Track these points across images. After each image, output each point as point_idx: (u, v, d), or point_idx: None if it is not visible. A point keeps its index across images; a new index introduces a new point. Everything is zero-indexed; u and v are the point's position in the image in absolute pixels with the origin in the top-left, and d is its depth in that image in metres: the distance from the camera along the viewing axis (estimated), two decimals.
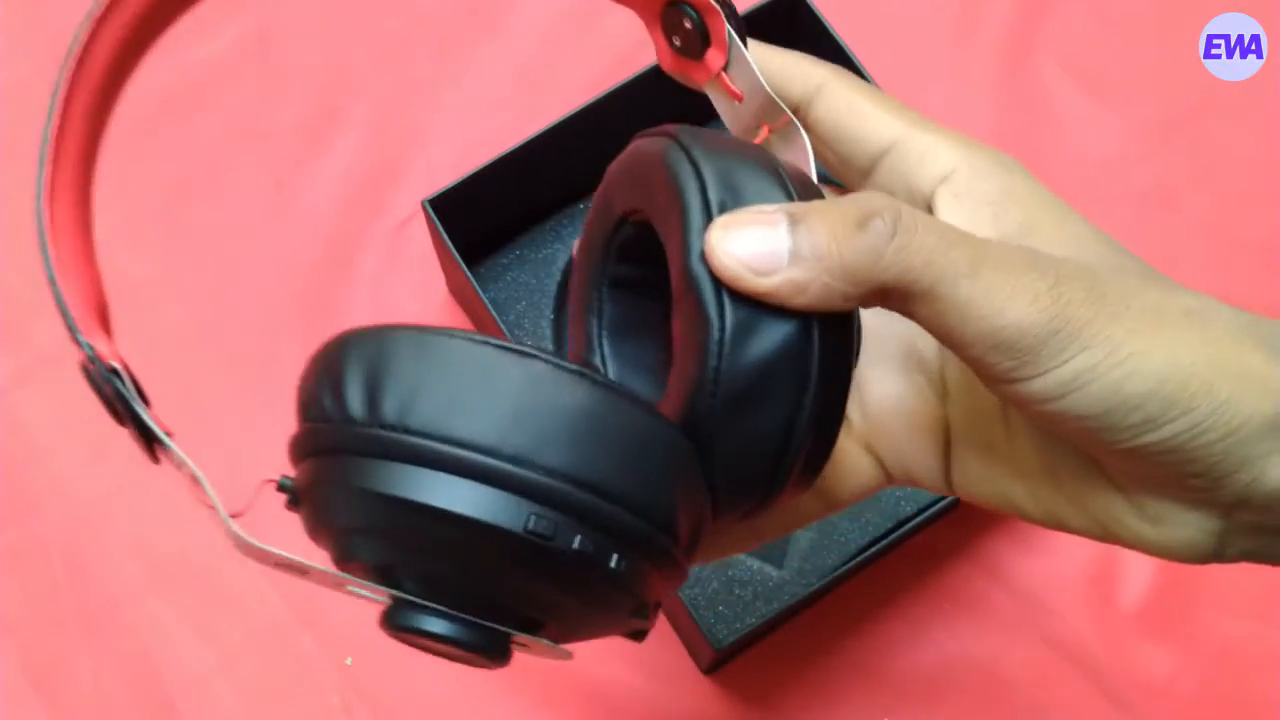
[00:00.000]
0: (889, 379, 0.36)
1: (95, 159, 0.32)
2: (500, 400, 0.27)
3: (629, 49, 0.68)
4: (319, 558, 0.30)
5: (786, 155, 0.33)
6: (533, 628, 0.29)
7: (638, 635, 0.31)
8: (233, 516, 0.29)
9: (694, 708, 0.58)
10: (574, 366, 0.28)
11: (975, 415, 0.34)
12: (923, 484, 0.36)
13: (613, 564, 0.27)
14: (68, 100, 0.30)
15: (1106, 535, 0.32)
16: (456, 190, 0.56)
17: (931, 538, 0.59)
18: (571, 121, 0.57)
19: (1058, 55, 0.69)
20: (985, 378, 0.29)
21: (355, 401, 0.28)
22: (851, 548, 0.59)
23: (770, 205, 0.29)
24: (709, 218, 0.29)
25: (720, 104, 0.35)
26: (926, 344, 0.35)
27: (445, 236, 0.55)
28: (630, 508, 0.28)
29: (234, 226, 0.66)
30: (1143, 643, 0.59)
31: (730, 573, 0.58)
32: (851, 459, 0.36)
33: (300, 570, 0.29)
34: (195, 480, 0.29)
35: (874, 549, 0.55)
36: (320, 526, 0.29)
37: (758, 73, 0.33)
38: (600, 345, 0.36)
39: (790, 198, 0.30)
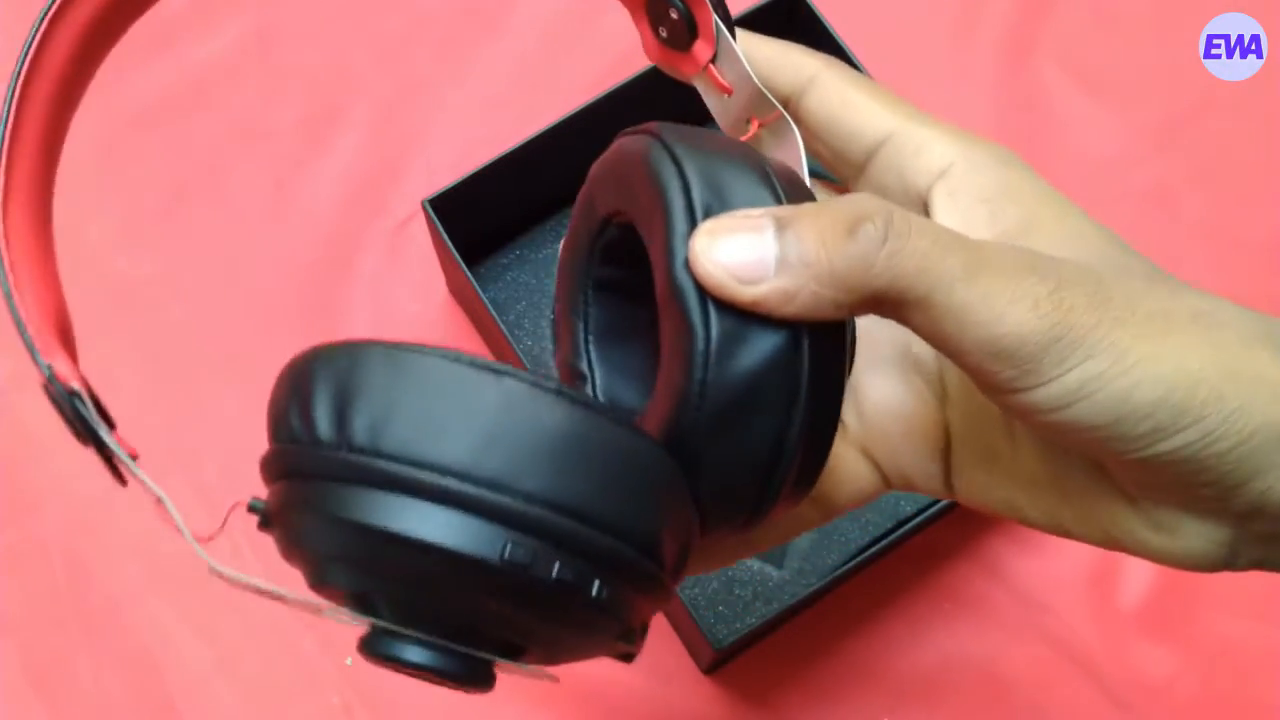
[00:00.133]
0: (886, 382, 0.35)
1: (54, 169, 0.31)
2: (475, 421, 0.26)
3: (629, 49, 0.67)
4: (297, 576, 0.29)
5: (777, 150, 0.32)
6: (515, 653, 0.28)
7: (625, 658, 0.30)
8: (205, 539, 0.28)
9: (694, 708, 0.58)
10: (552, 385, 0.26)
11: (976, 419, 0.33)
12: (922, 490, 0.35)
13: (594, 591, 0.26)
14: (20, 108, 0.29)
15: (1112, 544, 0.31)
16: (456, 190, 0.56)
17: (931, 538, 0.59)
18: (571, 121, 0.57)
19: (1058, 55, 0.69)
20: (985, 387, 0.28)
21: (324, 422, 0.26)
22: (851, 548, 0.59)
23: (756, 209, 0.28)
24: (693, 222, 0.28)
25: (709, 97, 0.34)
26: (924, 346, 0.34)
27: (445, 236, 0.55)
28: (612, 532, 0.26)
29: (234, 226, 0.66)
30: (1143, 643, 0.59)
31: (730, 573, 0.58)
32: (848, 465, 0.35)
33: (275, 597, 0.28)
34: (161, 504, 0.28)
35: (874, 549, 0.55)
36: (292, 551, 0.28)
37: (746, 66, 0.32)
38: (587, 350, 0.35)
39: (778, 199, 0.28)
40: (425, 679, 0.28)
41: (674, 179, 0.28)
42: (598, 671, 0.58)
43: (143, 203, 0.66)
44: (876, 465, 0.35)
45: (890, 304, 0.27)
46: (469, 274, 0.55)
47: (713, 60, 0.33)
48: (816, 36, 0.60)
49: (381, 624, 0.28)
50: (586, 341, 0.35)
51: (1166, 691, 0.58)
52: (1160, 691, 0.58)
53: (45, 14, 0.29)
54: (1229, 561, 0.29)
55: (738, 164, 0.29)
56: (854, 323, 0.30)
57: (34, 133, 0.29)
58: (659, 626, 0.59)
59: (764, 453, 0.28)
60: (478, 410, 0.26)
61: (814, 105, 0.33)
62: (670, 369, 0.28)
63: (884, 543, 0.55)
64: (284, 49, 0.69)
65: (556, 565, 0.26)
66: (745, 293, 0.27)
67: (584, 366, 0.35)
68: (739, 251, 0.27)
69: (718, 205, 0.28)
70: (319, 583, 0.29)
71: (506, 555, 0.25)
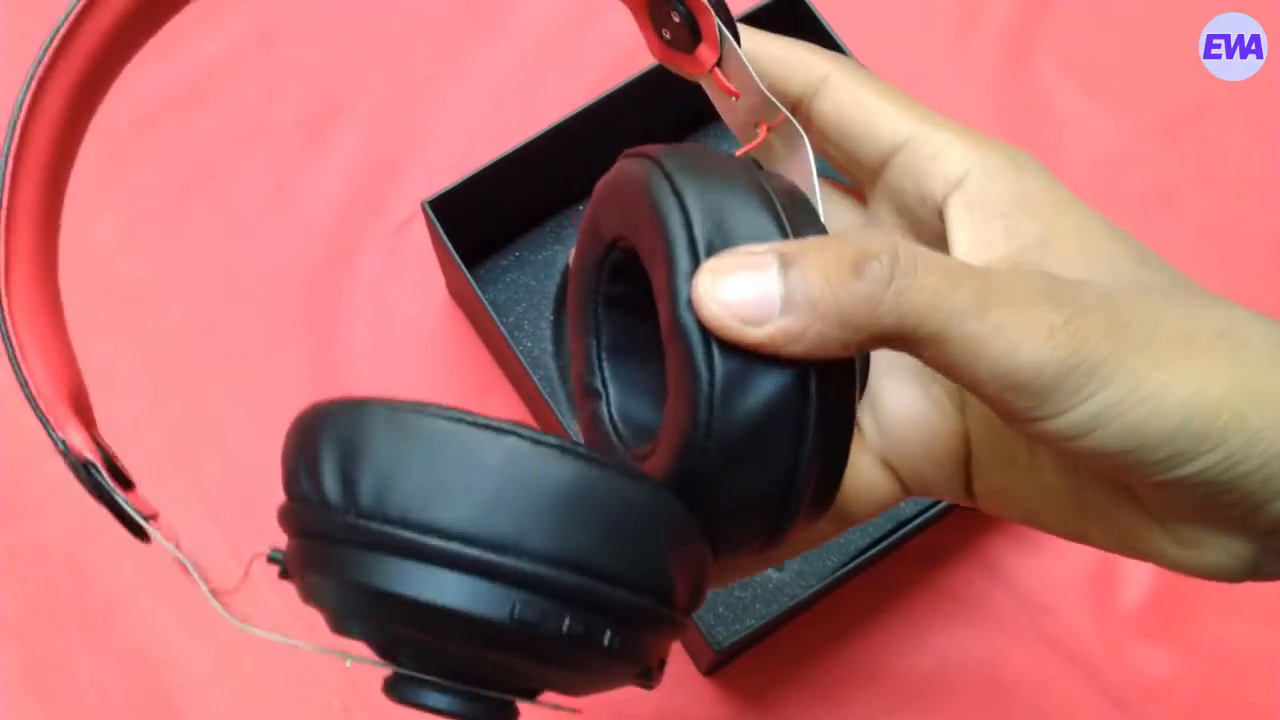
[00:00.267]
0: (905, 391, 0.34)
1: (55, 234, 0.31)
2: (478, 483, 0.26)
3: (629, 50, 0.68)
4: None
5: (787, 155, 0.32)
6: (534, 695, 0.29)
7: (645, 686, 0.30)
8: (226, 592, 0.30)
9: (694, 709, 0.58)
10: (554, 440, 0.26)
11: (996, 429, 0.33)
12: (941, 497, 0.34)
13: (606, 642, 0.27)
14: (18, 159, 0.29)
15: (1134, 554, 0.30)
16: (456, 191, 0.56)
17: (931, 539, 0.59)
18: (572, 123, 0.57)
19: (1057, 56, 0.69)
20: (1002, 416, 0.28)
21: (331, 485, 0.27)
22: (851, 549, 0.59)
23: (760, 245, 0.27)
24: (695, 258, 0.27)
25: (717, 99, 0.34)
26: None
27: (445, 238, 0.55)
28: (620, 583, 0.26)
29: (234, 226, 0.66)
30: (1143, 644, 0.59)
31: None
32: (866, 475, 0.34)
33: (297, 646, 0.29)
34: (183, 562, 0.29)
35: (874, 550, 0.55)
36: (310, 602, 0.29)
37: (752, 72, 0.32)
38: (600, 367, 0.35)
39: (783, 228, 0.28)
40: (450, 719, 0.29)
41: (675, 212, 0.28)
42: None
43: (143, 203, 0.66)
44: (895, 473, 0.34)
45: (901, 341, 0.27)
46: (469, 275, 0.55)
47: (717, 64, 0.33)
48: (816, 37, 0.60)
49: (403, 671, 0.28)
50: (599, 358, 0.35)
51: (1166, 693, 0.58)
52: (1160, 693, 0.58)
53: (32, 77, 0.29)
54: (1252, 574, 0.29)
55: (740, 193, 0.28)
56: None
57: (33, 195, 0.30)
58: None
59: (774, 488, 0.28)
60: (480, 471, 0.26)
61: (826, 107, 0.33)
62: (676, 408, 0.28)
63: (884, 544, 0.55)
64: (284, 50, 0.69)
65: (567, 621, 0.26)
66: (751, 334, 0.27)
67: (598, 383, 0.35)
68: (743, 292, 0.26)
69: (720, 240, 0.27)
70: (339, 630, 0.29)
71: (516, 615, 0.26)
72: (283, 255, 0.65)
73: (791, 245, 0.27)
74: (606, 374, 0.35)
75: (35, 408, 0.28)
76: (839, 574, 0.54)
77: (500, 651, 0.27)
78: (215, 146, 0.67)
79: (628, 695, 0.58)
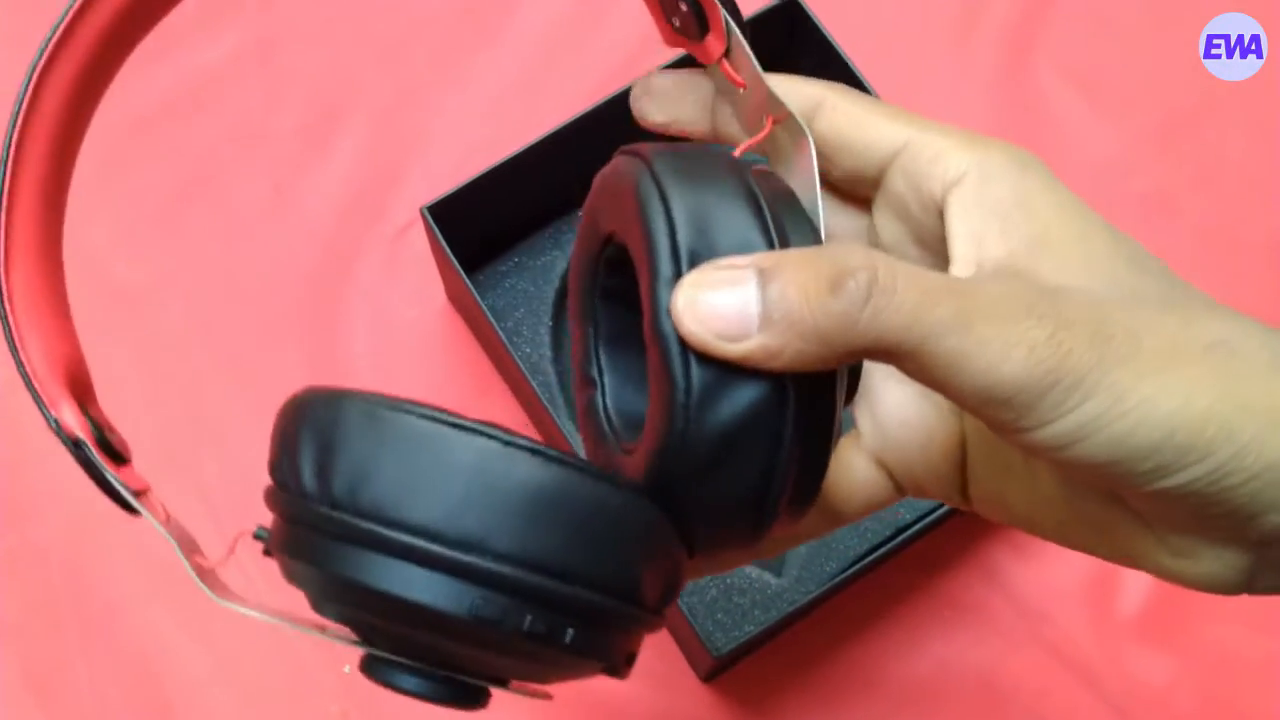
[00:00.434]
0: (904, 391, 0.34)
1: (60, 213, 0.31)
2: (449, 481, 0.27)
3: (630, 55, 0.68)
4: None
5: (791, 152, 0.32)
6: (504, 682, 0.30)
7: (616, 676, 0.31)
8: (210, 567, 0.31)
9: (693, 715, 0.58)
10: (524, 442, 0.27)
11: (992, 434, 0.32)
12: (937, 498, 0.34)
13: (568, 640, 0.27)
14: (19, 147, 0.30)
15: (1129, 563, 0.30)
16: (455, 197, 0.56)
17: (930, 545, 0.59)
18: (571, 128, 0.57)
19: (1056, 60, 0.69)
20: (990, 426, 0.28)
21: (308, 475, 0.28)
22: (850, 555, 0.59)
23: (741, 258, 0.27)
24: (677, 266, 0.28)
25: (724, 89, 0.34)
26: None
27: (444, 243, 0.55)
28: (584, 583, 0.27)
29: (233, 231, 0.66)
30: (1141, 650, 0.59)
31: (729, 581, 0.58)
32: (860, 474, 0.34)
33: (279, 620, 0.30)
34: (171, 536, 0.30)
35: (873, 556, 0.55)
36: (290, 582, 0.30)
37: (757, 66, 0.32)
38: (597, 357, 0.35)
39: (769, 237, 0.28)
40: (422, 700, 0.30)
41: (660, 217, 0.28)
42: (593, 679, 0.58)
43: (143, 208, 0.66)
44: (890, 474, 0.35)
45: (879, 356, 0.27)
46: (467, 281, 0.55)
47: (725, 54, 0.33)
48: (815, 44, 0.60)
49: (376, 652, 0.29)
50: (596, 348, 0.35)
51: (1164, 699, 0.58)
52: (1158, 699, 0.58)
53: (35, 66, 0.30)
54: (1248, 585, 0.29)
55: (728, 198, 0.29)
56: None
57: (35, 179, 0.30)
58: (657, 634, 0.59)
59: (750, 494, 0.28)
60: (451, 469, 0.27)
61: (823, 128, 0.33)
62: (654, 413, 0.28)
63: (882, 550, 0.55)
64: (284, 55, 0.69)
65: (528, 619, 0.27)
66: (729, 350, 0.27)
67: (594, 373, 0.35)
68: (722, 308, 0.27)
69: (703, 247, 0.28)
70: (317, 611, 0.30)
71: (475, 612, 0.26)
72: (282, 260, 0.65)
73: (771, 259, 0.27)
74: (603, 364, 0.35)
75: (28, 383, 0.29)
76: (838, 580, 0.54)
77: (462, 644, 0.28)
78: (214, 151, 0.67)
79: (626, 700, 0.58)
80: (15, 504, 0.61)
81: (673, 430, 0.28)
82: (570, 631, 0.27)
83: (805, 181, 0.31)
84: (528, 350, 0.62)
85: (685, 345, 0.27)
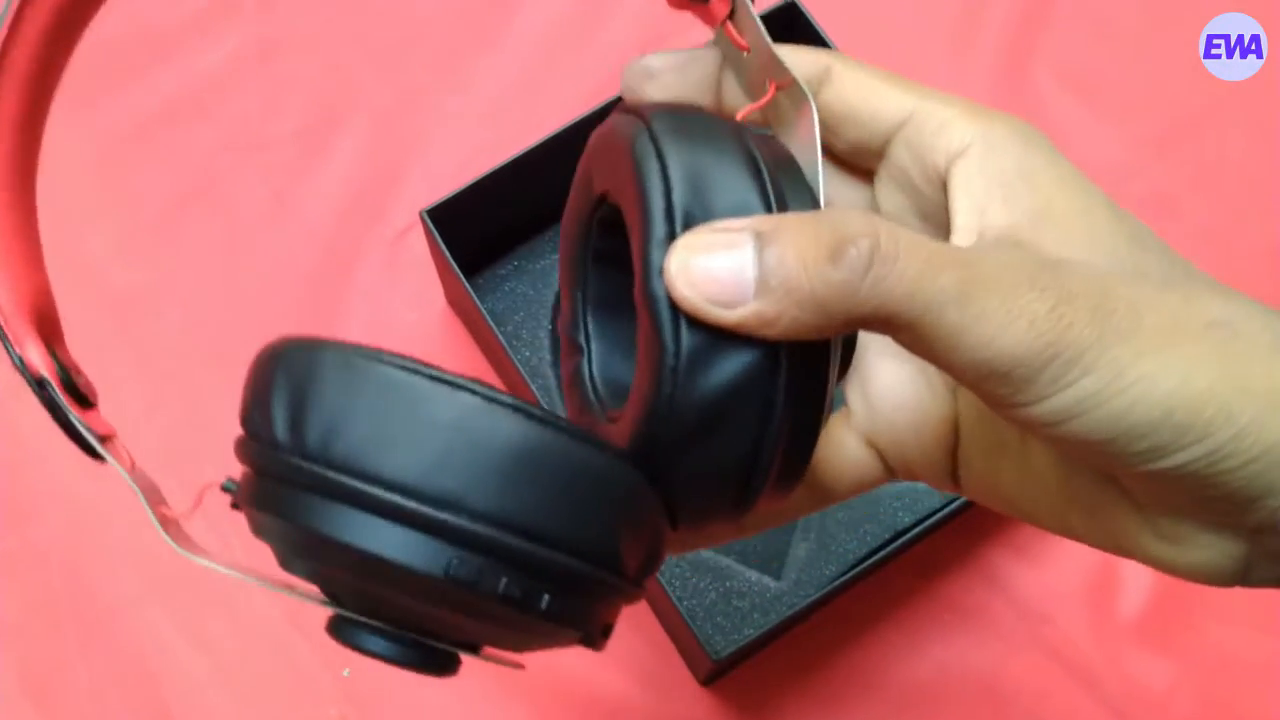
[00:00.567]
0: (894, 368, 0.33)
1: (35, 150, 0.30)
2: (427, 436, 0.25)
3: (630, 57, 0.68)
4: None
5: (794, 118, 0.31)
6: (474, 647, 0.29)
7: (591, 648, 0.30)
8: (174, 519, 0.30)
9: (691, 719, 0.58)
10: (507, 399, 0.26)
11: (987, 414, 0.32)
12: (926, 481, 0.34)
13: (544, 605, 0.26)
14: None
15: (1120, 551, 0.30)
16: (455, 200, 0.56)
17: (930, 548, 0.59)
18: (571, 132, 0.57)
19: (1055, 64, 0.69)
20: (985, 401, 0.27)
21: (280, 424, 0.27)
22: (850, 558, 0.59)
23: (737, 221, 0.27)
24: (671, 227, 0.27)
25: (728, 53, 0.33)
26: None
27: (443, 247, 0.55)
28: (562, 547, 0.26)
29: (232, 236, 0.66)
30: (1142, 653, 0.59)
31: (728, 584, 0.58)
32: (850, 453, 0.34)
33: (244, 576, 0.29)
34: (135, 484, 0.29)
35: (872, 559, 0.55)
36: (258, 536, 0.29)
37: (762, 29, 0.31)
38: (585, 322, 0.34)
39: (767, 201, 0.27)
40: (389, 664, 0.29)
41: (656, 176, 0.27)
42: (595, 682, 0.58)
43: (142, 212, 0.66)
44: (880, 454, 0.34)
45: (877, 326, 0.26)
46: (467, 285, 0.55)
47: (730, 16, 0.32)
48: (813, 45, 0.60)
49: (344, 612, 0.28)
50: (585, 313, 0.34)
51: (1165, 702, 0.58)
52: (1159, 702, 0.58)
53: None
54: (1241, 576, 0.28)
55: (727, 159, 0.28)
56: None
57: (11, 110, 0.29)
58: (656, 637, 0.59)
59: (737, 464, 0.28)
60: (429, 424, 0.26)
61: (830, 98, 0.32)
62: (641, 377, 0.28)
63: (882, 553, 0.55)
64: (283, 59, 0.69)
65: (503, 581, 0.26)
66: (723, 317, 0.26)
67: (581, 339, 0.34)
68: (716, 272, 0.26)
69: (699, 208, 0.27)
70: (285, 568, 0.29)
71: (450, 572, 0.25)
72: (281, 264, 0.65)
73: (770, 222, 0.26)
74: (590, 330, 0.34)
75: None
76: (837, 583, 0.54)
77: (435, 606, 0.27)
78: (214, 156, 0.67)
79: (625, 703, 0.58)
80: (15, 505, 0.60)
81: (660, 395, 0.27)
82: (546, 597, 0.26)
83: (807, 149, 0.30)
84: (527, 354, 0.62)
85: (676, 309, 0.26)
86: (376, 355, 0.26)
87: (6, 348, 0.29)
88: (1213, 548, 0.28)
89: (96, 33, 0.76)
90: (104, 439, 0.30)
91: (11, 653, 0.58)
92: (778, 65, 0.31)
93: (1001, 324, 0.25)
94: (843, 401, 0.34)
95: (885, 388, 0.33)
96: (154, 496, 0.30)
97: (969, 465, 0.33)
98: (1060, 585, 0.60)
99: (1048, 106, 0.68)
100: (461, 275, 0.55)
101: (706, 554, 0.58)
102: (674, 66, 0.34)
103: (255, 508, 0.28)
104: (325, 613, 0.29)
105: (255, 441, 0.28)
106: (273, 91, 0.68)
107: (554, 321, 0.63)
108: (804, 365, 0.27)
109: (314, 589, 0.29)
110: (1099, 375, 0.25)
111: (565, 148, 0.57)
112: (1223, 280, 0.27)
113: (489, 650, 0.29)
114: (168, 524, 0.30)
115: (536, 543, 0.26)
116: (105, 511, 0.60)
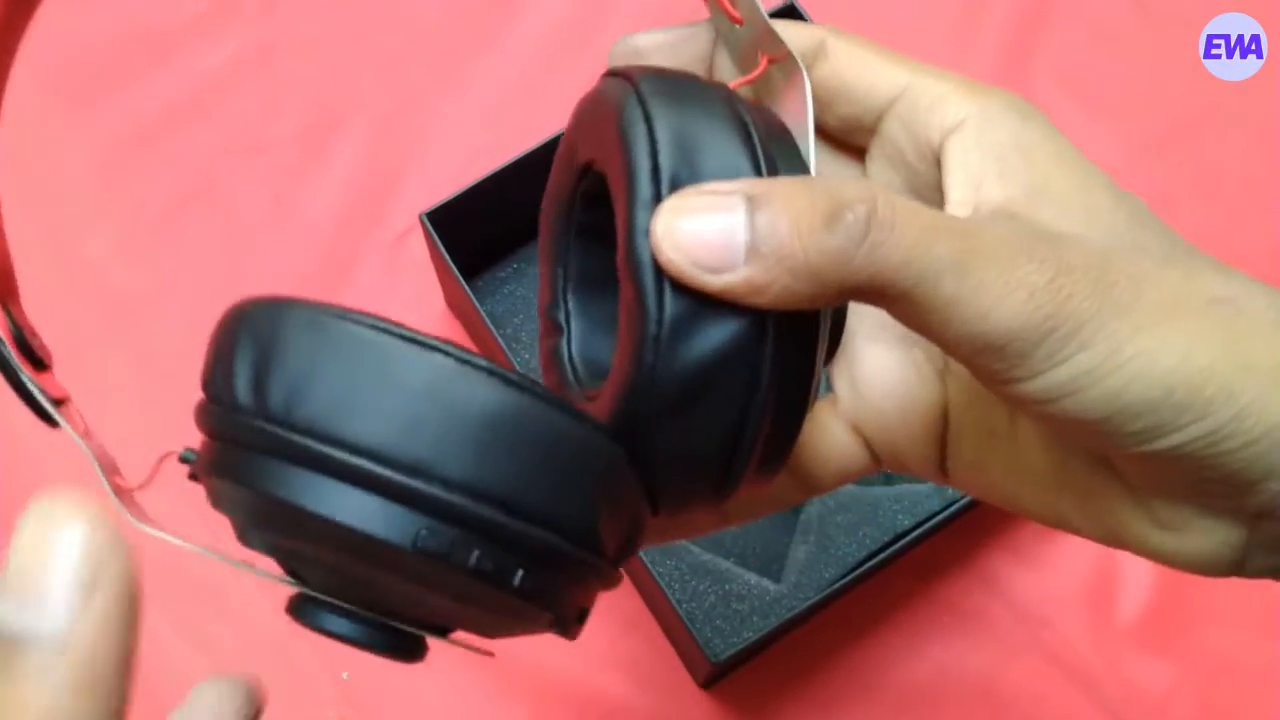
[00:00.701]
0: (883, 353, 0.32)
1: (2, 82, 0.28)
2: (398, 399, 0.24)
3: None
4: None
5: (786, 91, 0.30)
6: (442, 630, 0.27)
7: (564, 636, 0.28)
8: (132, 489, 0.28)
9: None
10: (483, 363, 0.24)
11: (978, 399, 0.31)
12: (914, 470, 0.33)
13: (517, 582, 0.24)
14: None
15: (1114, 540, 0.29)
16: (454, 203, 0.56)
17: (929, 551, 0.59)
18: None
19: (1054, 68, 0.69)
20: (976, 375, 0.26)
21: (242, 386, 0.25)
22: (849, 561, 0.59)
23: (728, 184, 0.25)
24: (658, 188, 0.26)
25: (720, 26, 0.32)
26: None
27: (443, 249, 0.55)
28: (538, 521, 0.24)
29: (232, 239, 0.66)
30: (1141, 656, 0.59)
31: (727, 587, 0.58)
32: (836, 440, 0.33)
33: (200, 549, 0.27)
34: (91, 450, 0.27)
35: (871, 562, 0.55)
36: (216, 507, 0.28)
37: (756, 1, 0.30)
38: (565, 300, 0.33)
39: (757, 165, 0.26)
40: (352, 645, 0.27)
41: (642, 138, 0.26)
42: (593, 685, 0.58)
43: (142, 214, 0.66)
44: (866, 441, 0.33)
45: (871, 297, 0.25)
46: (466, 287, 0.55)
47: None
48: None
49: (306, 591, 0.27)
50: (565, 290, 0.33)
51: (1164, 705, 0.58)
52: (1158, 705, 0.58)
53: None
54: (1238, 566, 0.27)
55: (717, 122, 0.27)
56: None
57: None
58: (655, 639, 0.59)
59: (720, 441, 0.26)
60: (401, 386, 0.24)
61: (825, 73, 0.31)
62: (623, 347, 0.26)
63: (881, 556, 0.55)
64: (283, 62, 0.69)
65: (475, 554, 0.24)
66: (711, 282, 0.25)
67: (561, 318, 0.33)
68: (705, 235, 0.25)
69: (686, 170, 0.26)
70: (243, 541, 0.28)
71: (419, 543, 0.24)
72: (281, 267, 0.65)
73: (762, 185, 0.25)
74: (571, 308, 0.33)
75: None
76: (836, 586, 0.54)
77: (402, 580, 0.25)
78: (214, 158, 0.67)
79: (624, 705, 0.58)
80: (13, 508, 0.60)
81: (641, 365, 0.25)
82: (520, 572, 0.24)
83: (798, 123, 0.29)
84: (527, 357, 0.62)
85: (660, 272, 0.25)
86: (344, 314, 0.25)
87: None
88: (1210, 534, 0.27)
89: (97, 34, 0.77)
90: (58, 402, 0.28)
91: None
92: (772, 38, 0.30)
93: (999, 295, 0.24)
94: (829, 388, 0.34)
95: (873, 373, 0.32)
96: (108, 465, 0.29)
97: (958, 454, 0.32)
98: (1059, 588, 0.60)
99: (1047, 109, 0.68)
100: (461, 278, 0.55)
101: (706, 556, 0.59)
102: (664, 45, 0.33)
103: (213, 475, 0.26)
104: None
105: (216, 405, 0.26)
106: (273, 94, 0.68)
107: None
108: (792, 337, 0.26)
109: (275, 566, 0.27)
110: (1096, 351, 0.25)
111: None
112: None
113: (458, 635, 0.28)
114: (122, 494, 0.28)
115: (511, 514, 0.24)
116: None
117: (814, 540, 0.59)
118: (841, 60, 0.31)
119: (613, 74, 0.30)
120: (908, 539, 0.55)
